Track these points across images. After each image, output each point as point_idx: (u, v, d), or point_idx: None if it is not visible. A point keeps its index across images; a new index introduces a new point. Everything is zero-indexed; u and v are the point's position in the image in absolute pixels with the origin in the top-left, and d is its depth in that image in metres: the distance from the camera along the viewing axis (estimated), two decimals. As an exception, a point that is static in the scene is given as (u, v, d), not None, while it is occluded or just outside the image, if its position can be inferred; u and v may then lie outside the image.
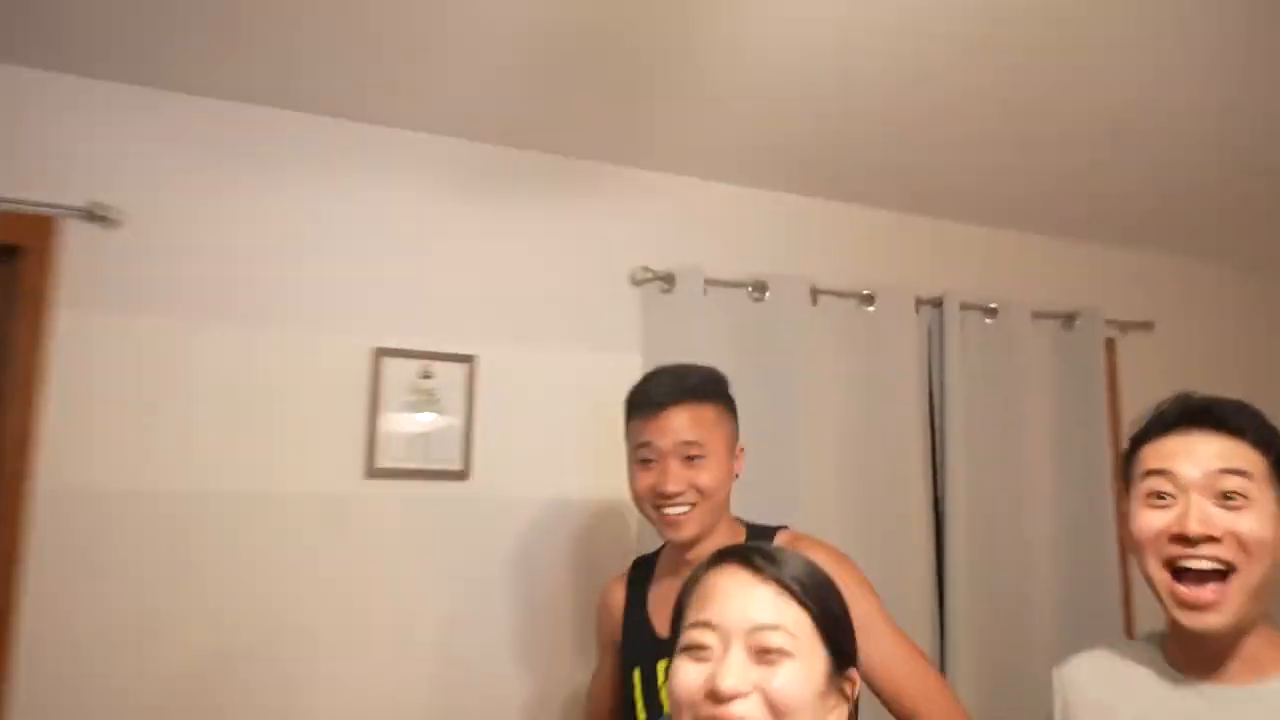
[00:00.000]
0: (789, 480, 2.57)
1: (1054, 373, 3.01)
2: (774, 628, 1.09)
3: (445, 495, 2.41)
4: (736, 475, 1.81)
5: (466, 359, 2.47)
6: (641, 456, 1.78)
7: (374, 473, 2.34)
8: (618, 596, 1.95)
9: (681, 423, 1.74)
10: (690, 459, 1.74)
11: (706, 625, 1.10)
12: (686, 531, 1.75)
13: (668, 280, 2.63)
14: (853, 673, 1.14)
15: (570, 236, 2.63)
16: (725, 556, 1.16)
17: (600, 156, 2.66)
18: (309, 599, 2.26)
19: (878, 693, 1.64)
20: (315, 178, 2.42)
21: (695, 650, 1.11)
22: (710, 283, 2.67)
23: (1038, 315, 3.05)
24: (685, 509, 1.74)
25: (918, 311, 2.90)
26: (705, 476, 1.74)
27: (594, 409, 2.48)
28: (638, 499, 1.79)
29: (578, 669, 2.51)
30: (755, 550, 1.16)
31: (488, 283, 2.53)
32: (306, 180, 2.42)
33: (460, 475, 2.43)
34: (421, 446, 2.42)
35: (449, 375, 2.45)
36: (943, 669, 2.69)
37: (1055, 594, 2.92)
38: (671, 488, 1.72)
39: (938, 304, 2.94)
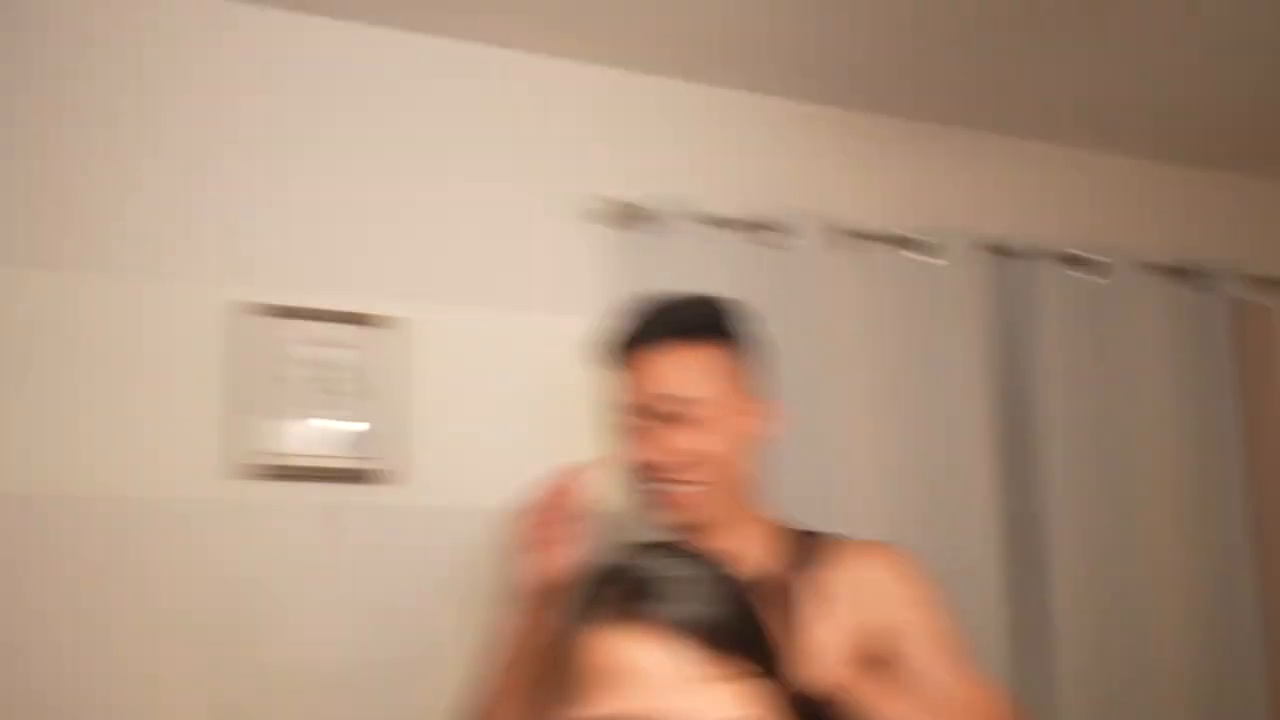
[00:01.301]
0: (811, 491, 2.08)
1: (1171, 351, 2.49)
2: None
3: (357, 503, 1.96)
4: (766, 440, 1.52)
5: (386, 324, 1.99)
6: (627, 421, 1.51)
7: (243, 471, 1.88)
8: None
9: (661, 372, 1.47)
10: (674, 419, 1.45)
11: None
12: (684, 515, 1.46)
13: (635, 216, 2.12)
14: None
15: (499, 147, 2.15)
16: (624, 596, 0.84)
17: (534, 47, 2.17)
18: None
19: None
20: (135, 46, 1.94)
21: None
22: (697, 219, 2.14)
23: (1145, 267, 2.49)
24: (688, 489, 1.45)
25: (985, 262, 2.39)
26: (701, 440, 1.45)
27: (544, 390, 2.07)
28: (634, 481, 1.53)
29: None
30: (661, 585, 0.84)
31: (389, 216, 2.07)
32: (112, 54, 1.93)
33: (374, 478, 1.97)
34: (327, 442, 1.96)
35: (363, 346, 1.97)
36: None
37: (1183, 658, 2.41)
38: (655, 456, 1.46)
39: (1017, 253, 2.41)
